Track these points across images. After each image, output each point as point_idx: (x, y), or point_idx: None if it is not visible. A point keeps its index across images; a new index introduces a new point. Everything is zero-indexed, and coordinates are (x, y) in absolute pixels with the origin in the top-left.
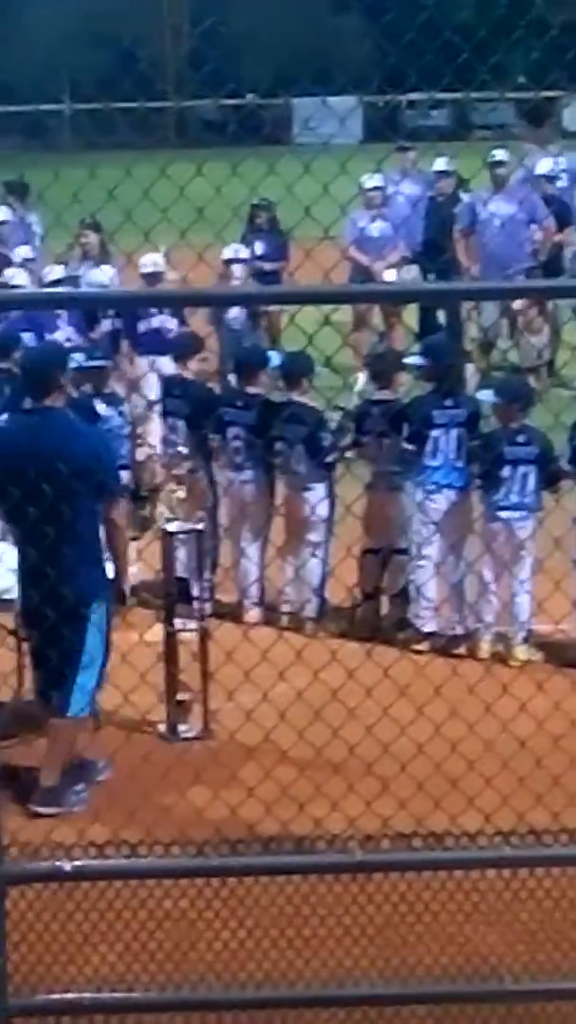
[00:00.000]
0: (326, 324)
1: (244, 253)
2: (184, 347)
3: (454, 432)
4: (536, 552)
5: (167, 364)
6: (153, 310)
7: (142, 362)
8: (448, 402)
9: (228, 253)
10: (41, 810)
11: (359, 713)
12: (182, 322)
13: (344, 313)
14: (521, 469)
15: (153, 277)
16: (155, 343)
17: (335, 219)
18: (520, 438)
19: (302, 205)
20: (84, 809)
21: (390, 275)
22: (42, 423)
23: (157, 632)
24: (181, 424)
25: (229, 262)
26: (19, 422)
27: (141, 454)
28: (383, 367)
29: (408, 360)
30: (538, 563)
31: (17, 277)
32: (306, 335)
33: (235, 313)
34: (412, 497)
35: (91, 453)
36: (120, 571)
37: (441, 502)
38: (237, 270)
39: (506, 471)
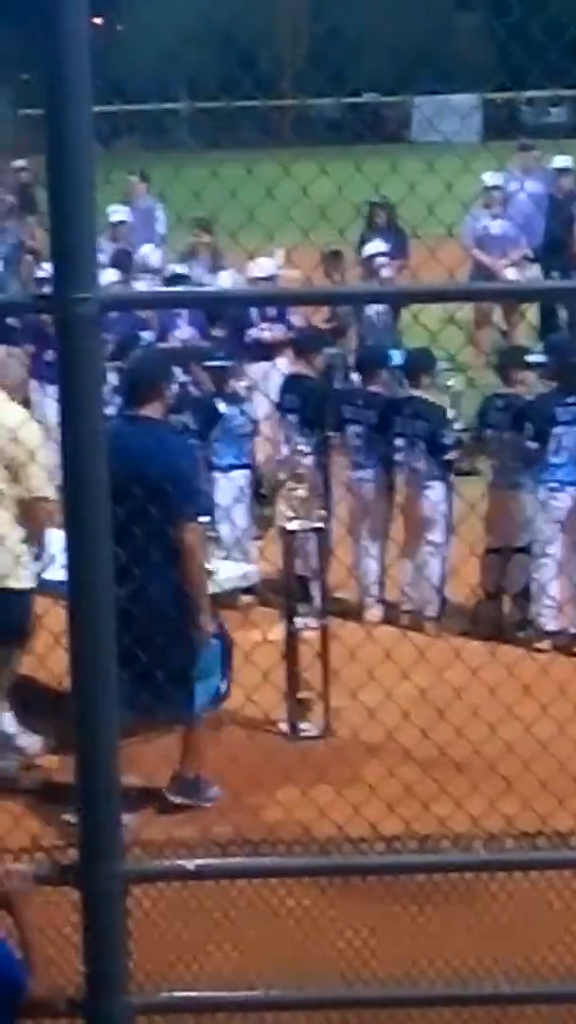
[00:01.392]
0: (450, 322)
1: (382, 247)
2: (305, 344)
3: (574, 430)
4: None
5: (286, 362)
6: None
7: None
8: (572, 400)
9: (370, 249)
10: (175, 799)
11: (483, 712)
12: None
13: (467, 312)
14: None
15: (266, 281)
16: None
17: (458, 217)
18: None
19: (424, 203)
20: (212, 804)
21: (511, 273)
22: (133, 433)
23: (279, 631)
24: (300, 422)
25: (371, 257)
26: (116, 427)
27: (262, 453)
28: (507, 364)
29: (531, 358)
30: None
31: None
32: (429, 332)
33: (376, 310)
34: (534, 495)
35: (166, 473)
36: (197, 593)
37: (565, 500)
38: (380, 265)
39: None
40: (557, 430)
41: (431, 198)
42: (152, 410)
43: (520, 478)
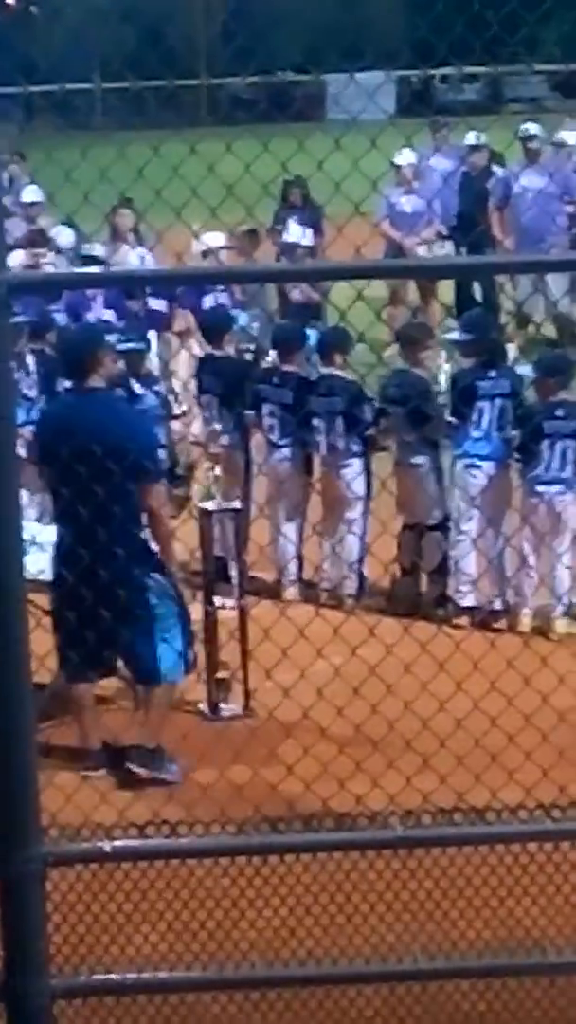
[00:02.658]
0: (359, 299)
1: (299, 233)
2: (215, 325)
3: (498, 403)
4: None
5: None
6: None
7: (174, 341)
8: (491, 373)
9: (290, 237)
10: (137, 770)
11: (398, 689)
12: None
13: (378, 289)
14: (560, 443)
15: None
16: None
17: (367, 195)
18: (559, 412)
19: (333, 181)
20: (177, 780)
21: (423, 251)
22: (84, 404)
23: (194, 612)
24: (216, 402)
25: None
26: (63, 403)
27: (177, 434)
28: (407, 341)
29: (449, 336)
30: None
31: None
32: (339, 311)
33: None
34: (446, 472)
35: (128, 435)
36: (166, 557)
37: (481, 476)
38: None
39: (545, 445)
40: (478, 404)
41: (340, 176)
42: (97, 380)
43: (420, 456)
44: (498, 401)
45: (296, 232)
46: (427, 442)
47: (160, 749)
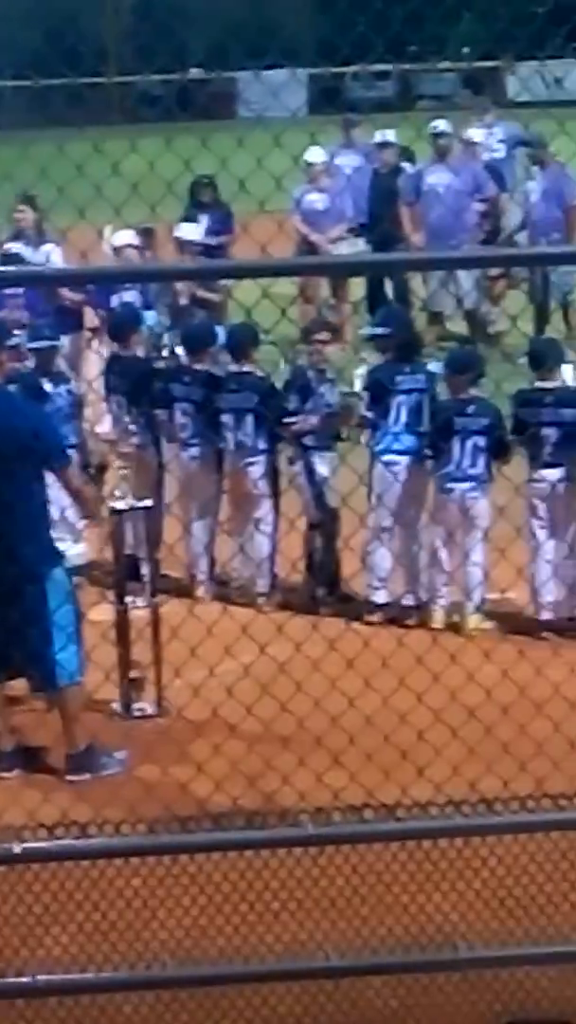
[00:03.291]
0: (264, 297)
1: (192, 231)
2: (123, 324)
3: (413, 399)
4: (485, 522)
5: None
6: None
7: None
8: (406, 369)
9: (183, 234)
10: (73, 779)
11: (307, 687)
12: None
13: (284, 286)
14: (471, 440)
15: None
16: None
17: (271, 192)
18: (469, 409)
19: (237, 179)
20: (121, 771)
21: (336, 248)
22: None
23: (103, 611)
24: (124, 401)
25: (186, 242)
26: None
27: (87, 433)
28: (308, 337)
29: (366, 331)
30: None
31: None
32: (244, 308)
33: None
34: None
35: (30, 430)
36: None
37: (396, 471)
38: (195, 252)
39: (456, 442)
40: (394, 399)
41: (249, 173)
42: None
43: (314, 454)
44: (414, 396)
45: (188, 230)
46: (299, 444)
47: (91, 748)
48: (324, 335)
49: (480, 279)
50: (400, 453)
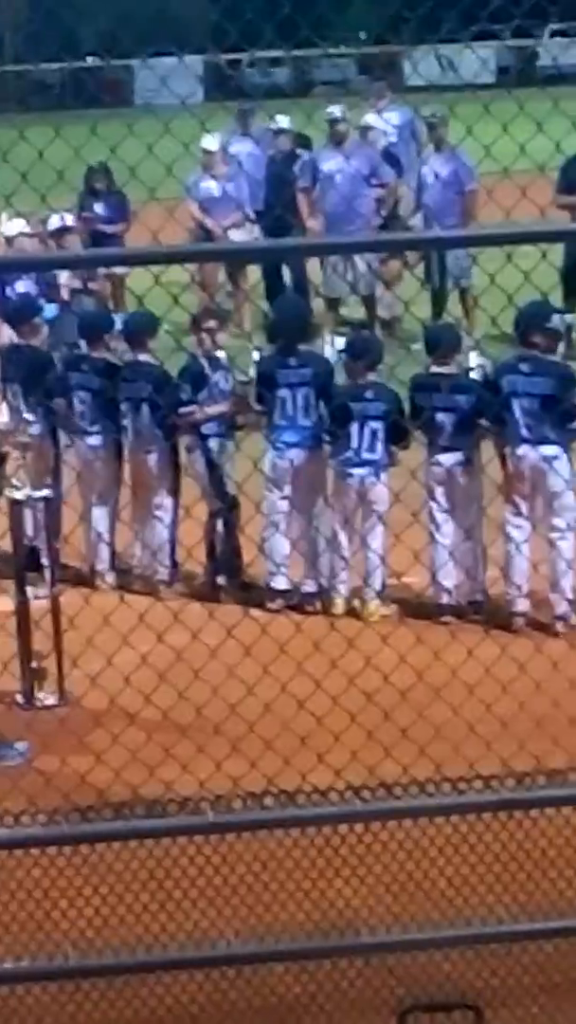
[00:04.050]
0: (157, 284)
1: (69, 220)
2: (20, 314)
3: (301, 391)
4: (384, 506)
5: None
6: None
7: None
8: (292, 361)
9: (53, 223)
10: None
11: (205, 675)
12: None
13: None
14: (369, 425)
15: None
16: None
17: (162, 180)
18: (367, 394)
19: (127, 167)
20: (22, 762)
21: (233, 235)
22: None
23: (3, 602)
24: (20, 391)
25: (60, 232)
26: None
27: None
28: (196, 326)
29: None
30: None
31: None
32: (136, 296)
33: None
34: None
35: None
36: None
37: (287, 462)
38: (69, 240)
39: (354, 427)
40: (281, 392)
41: (139, 161)
42: None
43: (211, 442)
44: (300, 389)
45: (56, 220)
46: (196, 432)
47: None
48: (212, 323)
49: (371, 263)
50: (291, 444)
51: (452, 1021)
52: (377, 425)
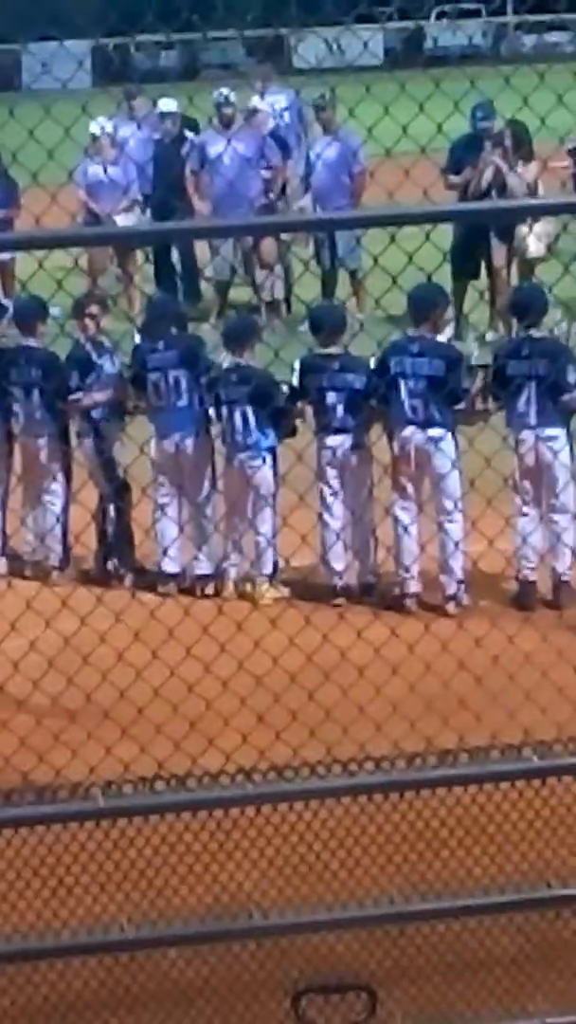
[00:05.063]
0: (40, 268)
1: None
2: None
3: (172, 375)
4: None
5: None
6: None
7: None
8: (159, 345)
9: None
10: None
11: (93, 660)
12: None
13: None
14: (240, 409)
15: None
16: None
17: (44, 165)
18: (234, 377)
19: (8, 151)
20: None
21: (120, 219)
22: None
23: None
24: None
25: None
26: None
27: None
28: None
29: None
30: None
31: None
32: (20, 282)
33: None
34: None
35: None
36: None
37: (169, 446)
38: None
39: (236, 412)
40: (152, 377)
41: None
42: None
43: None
44: (172, 374)
45: None
46: (85, 418)
47: None
48: (95, 308)
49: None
50: (173, 427)
51: (346, 1002)
52: (247, 408)
